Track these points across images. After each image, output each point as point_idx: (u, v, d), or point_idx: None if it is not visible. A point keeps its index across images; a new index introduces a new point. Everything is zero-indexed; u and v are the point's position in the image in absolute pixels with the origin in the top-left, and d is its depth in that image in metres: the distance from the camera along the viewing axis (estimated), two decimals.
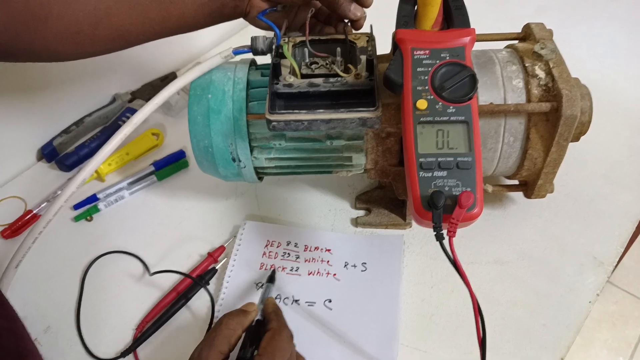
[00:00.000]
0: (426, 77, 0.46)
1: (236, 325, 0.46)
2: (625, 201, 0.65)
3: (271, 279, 0.58)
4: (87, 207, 0.69)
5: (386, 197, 0.66)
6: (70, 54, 0.53)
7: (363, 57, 0.53)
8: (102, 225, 0.68)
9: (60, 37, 0.49)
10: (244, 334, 0.47)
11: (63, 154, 0.75)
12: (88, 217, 0.68)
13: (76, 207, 0.69)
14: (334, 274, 0.60)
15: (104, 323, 0.58)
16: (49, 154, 0.76)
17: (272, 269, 0.61)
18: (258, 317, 0.49)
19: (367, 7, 0.55)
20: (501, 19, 0.92)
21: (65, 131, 0.77)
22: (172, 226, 0.67)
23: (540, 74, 0.53)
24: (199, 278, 0.60)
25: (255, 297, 0.58)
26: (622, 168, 0.69)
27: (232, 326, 0.46)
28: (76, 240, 0.66)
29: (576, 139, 0.56)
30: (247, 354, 0.45)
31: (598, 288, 0.58)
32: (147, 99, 0.55)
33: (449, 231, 0.42)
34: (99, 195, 0.70)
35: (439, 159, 0.44)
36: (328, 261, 0.61)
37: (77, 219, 0.68)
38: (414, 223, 0.64)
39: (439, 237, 0.42)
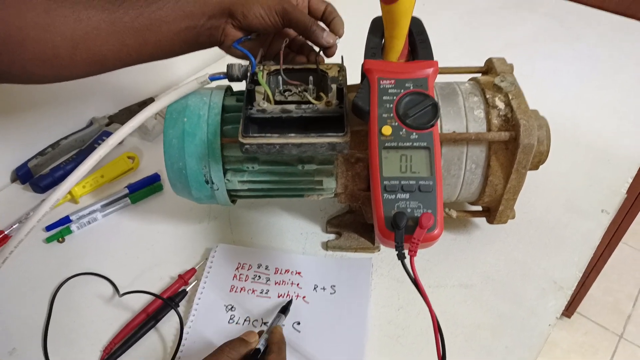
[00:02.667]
0: (391, 105, 0.49)
1: (236, 355, 0.47)
2: (585, 229, 0.68)
3: (285, 309, 0.58)
4: (60, 228, 0.69)
5: (356, 222, 0.67)
6: (47, 77, 0.54)
7: (334, 86, 0.56)
8: (74, 247, 0.68)
9: (38, 61, 0.50)
10: None
11: (38, 176, 0.76)
12: (60, 239, 0.68)
13: (48, 228, 0.69)
14: (304, 297, 0.61)
15: (71, 345, 0.58)
16: (24, 175, 0.76)
17: (289, 299, 0.60)
18: (260, 345, 0.50)
19: (339, 36, 0.57)
20: (471, 55, 0.97)
21: (41, 153, 0.78)
22: (144, 249, 0.67)
23: (500, 105, 0.56)
24: (169, 299, 0.60)
25: (224, 320, 0.59)
26: (582, 197, 0.72)
27: (233, 356, 0.47)
28: (47, 262, 0.66)
29: (535, 167, 0.59)
30: None
31: (558, 312, 0.60)
32: (124, 123, 0.56)
33: (410, 250, 0.44)
34: (71, 217, 0.70)
35: (402, 182, 0.46)
36: (298, 284, 0.62)
37: (48, 240, 0.68)
38: (382, 247, 0.66)
39: (401, 256, 0.43)
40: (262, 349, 0.50)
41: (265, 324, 0.58)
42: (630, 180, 0.75)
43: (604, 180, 0.74)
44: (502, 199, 0.58)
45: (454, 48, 0.98)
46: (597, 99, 0.89)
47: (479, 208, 0.64)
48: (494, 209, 0.61)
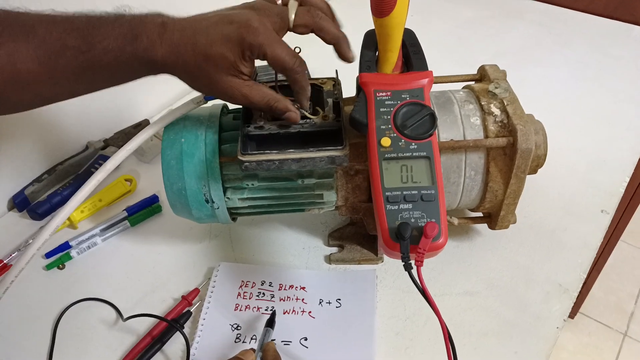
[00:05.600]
0: (389, 117, 0.49)
1: None
2: (584, 232, 0.68)
3: (270, 322, 0.57)
4: (59, 255, 0.69)
5: (358, 233, 0.67)
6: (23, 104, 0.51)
7: (330, 100, 0.56)
8: (75, 272, 0.67)
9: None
10: None
11: (35, 203, 0.75)
12: (60, 265, 0.68)
13: (48, 255, 0.69)
14: (309, 312, 0.60)
15: None
16: (21, 203, 0.75)
17: (273, 311, 0.59)
18: None
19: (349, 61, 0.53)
20: (461, 64, 0.97)
21: (37, 180, 0.77)
22: (145, 271, 0.67)
23: (496, 111, 0.56)
24: (173, 321, 0.59)
25: (231, 339, 0.58)
26: (580, 201, 0.72)
27: None
28: (48, 289, 0.65)
29: (533, 171, 0.60)
30: None
31: (564, 314, 0.60)
32: (120, 146, 0.55)
33: (416, 261, 0.44)
34: (71, 243, 0.69)
35: (404, 193, 0.46)
36: (303, 299, 0.61)
37: (48, 267, 0.67)
38: (385, 257, 0.66)
39: (408, 267, 0.43)
40: None
41: (272, 341, 0.58)
42: (628, 180, 0.76)
43: (601, 182, 0.75)
44: (503, 204, 0.58)
45: (446, 58, 0.99)
46: (588, 103, 0.90)
47: (480, 214, 0.64)
48: (495, 215, 0.61)
